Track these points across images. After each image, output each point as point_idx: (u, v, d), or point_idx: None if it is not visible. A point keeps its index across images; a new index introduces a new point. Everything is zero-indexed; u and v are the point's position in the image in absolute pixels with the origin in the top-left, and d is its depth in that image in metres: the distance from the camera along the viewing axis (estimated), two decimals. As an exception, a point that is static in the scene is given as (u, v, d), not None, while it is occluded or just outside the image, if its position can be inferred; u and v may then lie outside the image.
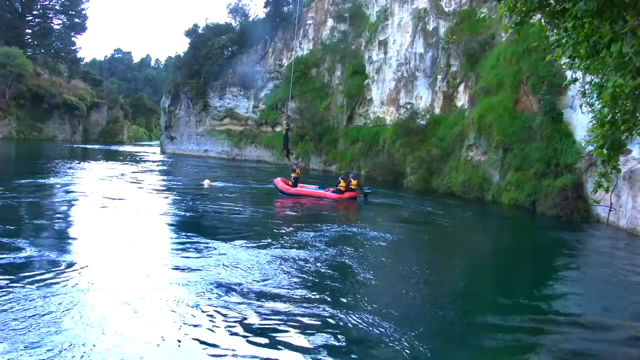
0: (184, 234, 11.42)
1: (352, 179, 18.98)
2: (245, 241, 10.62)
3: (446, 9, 27.56)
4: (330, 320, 6.30)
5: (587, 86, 5.19)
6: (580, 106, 6.35)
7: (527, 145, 18.65)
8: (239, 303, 6.73)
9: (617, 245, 12.86)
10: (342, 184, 18.70)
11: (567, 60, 5.12)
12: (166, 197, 18.07)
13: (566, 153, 17.10)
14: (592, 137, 4.96)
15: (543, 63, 18.18)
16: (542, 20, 5.52)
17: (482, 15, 22.06)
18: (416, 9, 29.57)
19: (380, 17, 33.56)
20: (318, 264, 8.98)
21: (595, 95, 4.92)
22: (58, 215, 13.08)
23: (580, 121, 16.10)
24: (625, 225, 13.65)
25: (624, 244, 12.82)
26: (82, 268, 7.96)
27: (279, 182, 19.59)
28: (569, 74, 15.02)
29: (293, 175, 19.72)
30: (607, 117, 4.60)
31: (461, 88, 25.93)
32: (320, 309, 6.68)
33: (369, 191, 18.82)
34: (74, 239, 10.41)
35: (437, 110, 27.16)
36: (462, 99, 25.78)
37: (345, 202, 18.20)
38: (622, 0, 4.02)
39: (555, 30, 5.20)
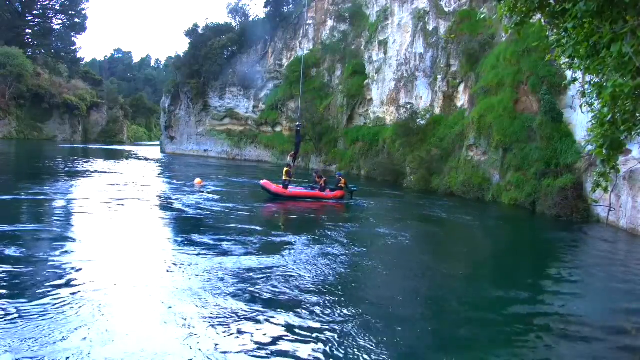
0: (178, 235, 11.44)
1: (341, 178, 18.99)
2: (246, 244, 10.63)
3: (446, 9, 27.56)
4: (332, 321, 6.30)
5: (587, 86, 5.20)
6: (580, 106, 6.36)
7: (527, 145, 18.65)
8: (240, 303, 6.74)
9: (617, 245, 12.87)
10: (321, 181, 18.75)
11: (567, 60, 5.13)
12: (164, 198, 18.06)
13: (566, 153, 17.10)
14: (592, 137, 4.97)
15: (543, 63, 18.19)
16: (542, 21, 5.53)
17: (482, 16, 22.06)
18: (416, 9, 29.58)
19: (380, 17, 33.57)
20: (319, 265, 8.98)
21: (595, 95, 4.92)
22: (58, 217, 13.08)
23: (580, 121, 16.10)
24: (625, 225, 13.65)
25: (623, 244, 12.82)
26: (81, 270, 7.97)
27: (270, 184, 18.37)
28: (569, 74, 15.04)
29: (286, 178, 18.59)
30: (607, 117, 4.61)
31: (461, 88, 25.93)
32: (322, 309, 6.69)
33: (355, 189, 19.06)
34: (74, 240, 10.40)
35: (437, 110, 27.17)
36: (462, 99, 25.78)
37: (333, 201, 18.22)
38: (622, 0, 4.02)
39: (555, 31, 5.21)
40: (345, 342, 5.69)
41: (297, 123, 21.55)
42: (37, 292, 6.72)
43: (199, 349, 5.32)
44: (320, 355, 5.37)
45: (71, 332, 5.51)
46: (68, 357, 4.96)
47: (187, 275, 7.92)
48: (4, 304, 6.18)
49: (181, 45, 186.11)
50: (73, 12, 70.03)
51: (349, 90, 35.50)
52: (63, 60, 71.79)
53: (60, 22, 70.91)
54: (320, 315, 6.47)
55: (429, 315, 6.98)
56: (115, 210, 13.97)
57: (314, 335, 5.84)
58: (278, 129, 43.47)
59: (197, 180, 21.84)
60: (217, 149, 48.20)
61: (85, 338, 5.39)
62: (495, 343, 6.09)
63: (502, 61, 21.25)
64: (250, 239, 10.90)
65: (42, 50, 69.33)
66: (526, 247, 13.09)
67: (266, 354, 5.33)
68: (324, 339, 5.76)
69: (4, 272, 7.43)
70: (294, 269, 8.54)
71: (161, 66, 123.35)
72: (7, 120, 58.05)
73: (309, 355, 5.37)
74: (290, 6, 46.11)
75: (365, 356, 5.39)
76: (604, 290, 8.73)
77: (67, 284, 7.10)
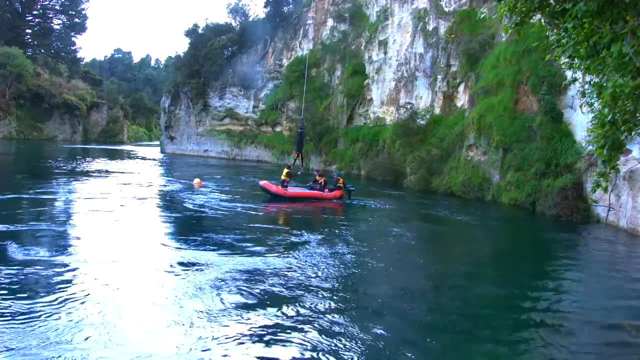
0: (180, 236, 11.44)
1: (339, 178, 18.99)
2: (248, 244, 10.64)
3: (446, 9, 27.56)
4: (334, 321, 6.31)
5: (586, 86, 5.19)
6: (581, 106, 6.36)
7: (527, 145, 18.65)
8: (243, 302, 6.74)
9: (616, 246, 12.86)
10: (320, 179, 18.73)
11: (567, 60, 5.12)
12: (164, 198, 18.06)
13: (566, 153, 17.10)
14: (592, 137, 4.96)
15: (543, 63, 18.17)
16: (542, 20, 5.53)
17: (482, 16, 22.07)
18: (416, 9, 29.58)
19: (380, 17, 33.56)
20: (321, 265, 8.98)
21: (595, 95, 4.92)
22: (60, 216, 13.06)
23: (580, 121, 16.10)
24: (625, 226, 13.65)
25: (623, 244, 12.82)
26: (85, 270, 7.97)
27: (271, 185, 18.19)
28: (569, 74, 15.04)
29: (287, 178, 18.50)
30: (607, 117, 4.60)
31: (461, 88, 25.93)
32: (324, 309, 6.69)
33: (353, 189, 19.12)
34: (77, 240, 10.40)
35: (437, 110, 27.16)
36: (462, 99, 25.78)
37: (332, 201, 18.21)
38: (622, 0, 4.02)
39: (555, 30, 5.21)
40: (347, 341, 5.69)
41: (300, 125, 21.40)
42: (41, 292, 6.73)
43: (203, 349, 5.32)
44: (323, 355, 5.37)
45: (76, 333, 5.51)
46: (72, 358, 4.96)
47: (190, 275, 7.92)
48: (9, 304, 6.19)
49: (181, 45, 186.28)
50: (73, 12, 69.98)
51: (349, 90, 35.49)
52: (63, 60, 71.75)
53: (60, 22, 70.90)
54: (323, 314, 6.47)
55: (430, 314, 6.97)
56: (117, 210, 13.96)
57: (317, 334, 5.84)
58: (278, 129, 43.45)
59: (197, 180, 21.74)
60: (217, 149, 48.20)
61: (89, 339, 5.39)
62: (495, 341, 6.08)
63: (502, 61, 21.25)
64: (251, 239, 10.91)
65: (42, 50, 69.29)
66: (526, 247, 13.08)
67: (268, 352, 5.33)
68: (327, 338, 5.75)
69: (9, 272, 7.43)
70: (296, 269, 8.54)
71: (161, 66, 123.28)
72: (7, 120, 58.01)
73: (311, 354, 5.37)
74: (290, 6, 46.09)
75: (367, 356, 5.39)
76: (603, 290, 8.72)
77: (71, 285, 7.10)
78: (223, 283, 7.53)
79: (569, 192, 15.92)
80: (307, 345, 5.57)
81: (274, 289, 7.44)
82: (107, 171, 26.71)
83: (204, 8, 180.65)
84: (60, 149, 47.92)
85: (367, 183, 26.65)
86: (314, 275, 8.27)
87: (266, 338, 5.69)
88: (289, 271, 8.41)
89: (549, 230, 14.84)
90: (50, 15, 70.03)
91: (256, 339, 5.66)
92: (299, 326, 6.07)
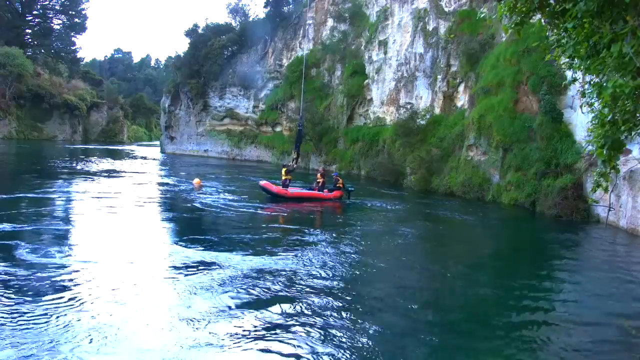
0: (180, 236, 11.44)
1: (338, 179, 19.00)
2: (249, 244, 10.64)
3: (446, 9, 27.55)
4: (334, 320, 6.31)
5: (587, 86, 5.19)
6: (581, 106, 6.36)
7: (527, 145, 18.65)
8: (244, 303, 6.75)
9: (616, 246, 12.86)
10: (320, 179, 18.78)
11: (567, 60, 5.12)
12: (165, 198, 18.05)
13: (566, 153, 17.10)
14: (592, 137, 4.96)
15: (543, 63, 18.16)
16: (542, 20, 5.53)
17: (482, 15, 22.06)
18: (416, 9, 29.57)
19: (380, 17, 33.56)
20: (323, 265, 8.99)
21: (595, 95, 4.91)
22: (62, 217, 13.07)
23: (580, 121, 16.10)
24: (625, 226, 13.64)
25: (623, 244, 12.81)
26: (85, 271, 7.97)
27: (271, 185, 18.24)
28: (569, 74, 15.04)
29: (288, 177, 18.46)
30: (607, 117, 4.60)
31: (461, 88, 25.92)
32: (326, 308, 6.70)
33: (352, 189, 19.14)
34: (78, 240, 10.41)
35: (437, 110, 27.15)
36: (462, 99, 25.77)
37: (332, 201, 18.22)
38: (622, 0, 4.02)
39: (555, 30, 5.20)
40: (348, 341, 5.70)
41: (299, 124, 21.37)
42: (47, 292, 6.74)
43: (206, 349, 5.32)
44: (325, 354, 5.37)
45: (83, 333, 5.53)
46: (78, 357, 4.96)
47: (194, 275, 7.92)
48: (15, 304, 6.20)
49: (181, 45, 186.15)
50: (73, 12, 69.89)
51: (349, 90, 35.49)
52: (63, 60, 71.71)
53: (60, 22, 70.79)
54: (326, 314, 6.47)
55: (431, 313, 6.98)
56: (120, 210, 13.96)
57: (319, 334, 5.85)
58: (278, 129, 43.45)
59: (196, 180, 21.71)
60: (217, 149, 48.19)
61: (96, 339, 5.40)
62: (496, 340, 6.09)
63: (502, 61, 21.24)
64: (253, 240, 10.91)
65: (42, 50, 69.25)
66: (526, 247, 13.08)
67: (270, 351, 5.33)
68: (329, 338, 5.76)
69: (15, 272, 7.44)
70: (298, 269, 8.54)
71: (161, 66, 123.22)
72: (7, 120, 57.94)
73: (314, 353, 5.37)
74: (290, 6, 46.09)
75: (368, 355, 5.39)
76: (603, 290, 8.72)
77: (77, 285, 7.13)
78: (226, 283, 7.54)
79: (569, 192, 15.92)
80: (309, 345, 5.57)
81: (276, 288, 7.45)
82: (108, 171, 26.70)
83: (204, 8, 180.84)
84: (61, 149, 47.90)
85: (367, 183, 26.64)
86: (316, 275, 8.27)
87: (269, 337, 5.70)
88: (291, 271, 8.41)
89: (549, 230, 14.84)
90: (50, 15, 69.95)
91: (259, 338, 5.67)
92: (302, 325, 6.08)
